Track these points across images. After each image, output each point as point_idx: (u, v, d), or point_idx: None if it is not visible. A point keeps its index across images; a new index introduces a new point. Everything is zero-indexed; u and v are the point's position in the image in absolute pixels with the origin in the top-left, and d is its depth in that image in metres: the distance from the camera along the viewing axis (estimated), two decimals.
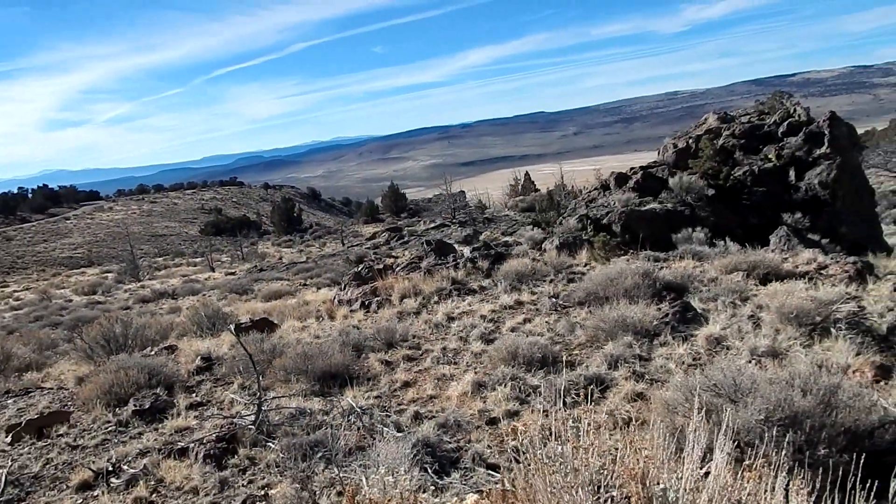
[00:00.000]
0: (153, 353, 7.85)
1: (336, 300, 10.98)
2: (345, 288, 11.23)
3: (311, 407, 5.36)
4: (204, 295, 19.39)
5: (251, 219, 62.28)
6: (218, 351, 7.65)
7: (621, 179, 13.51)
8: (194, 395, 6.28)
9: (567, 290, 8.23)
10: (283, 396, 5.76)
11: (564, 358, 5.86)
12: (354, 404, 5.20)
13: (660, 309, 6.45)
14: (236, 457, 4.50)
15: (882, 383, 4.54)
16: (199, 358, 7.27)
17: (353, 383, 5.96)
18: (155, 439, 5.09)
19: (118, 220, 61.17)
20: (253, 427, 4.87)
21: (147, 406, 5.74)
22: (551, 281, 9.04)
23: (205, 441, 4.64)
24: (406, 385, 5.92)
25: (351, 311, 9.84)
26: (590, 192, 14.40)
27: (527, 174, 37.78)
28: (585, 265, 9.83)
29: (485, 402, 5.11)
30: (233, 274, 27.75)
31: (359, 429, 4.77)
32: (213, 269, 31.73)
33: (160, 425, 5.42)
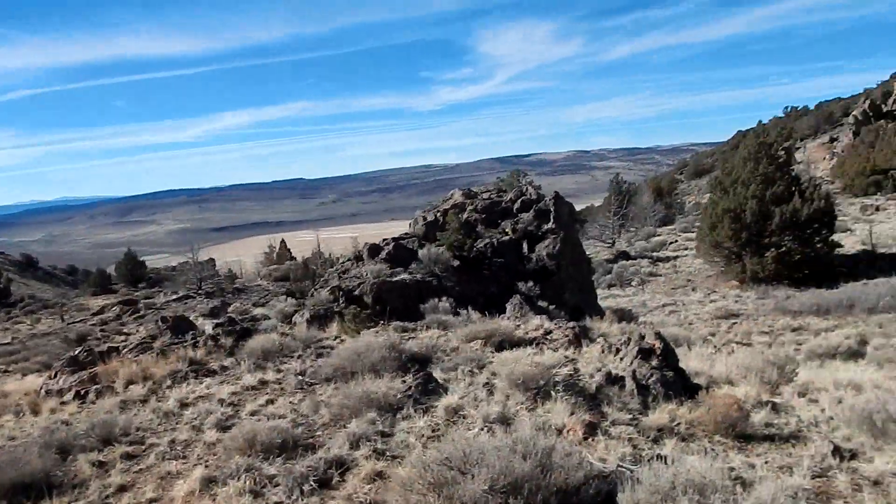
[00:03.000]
0: None
1: (44, 390, 9.28)
2: (56, 375, 9.56)
3: None
4: None
5: None
6: None
7: (374, 250, 13.86)
8: None
9: (315, 367, 7.98)
10: None
11: (307, 441, 5.58)
12: None
13: (405, 381, 6.54)
14: None
15: (590, 440, 5.07)
16: None
17: (53, 494, 4.95)
18: None
19: None
20: None
21: None
22: (299, 357, 8.71)
23: None
24: (122, 489, 5.09)
25: (62, 402, 8.37)
26: (343, 262, 14.50)
27: (283, 241, 37.01)
28: (336, 338, 9.70)
29: (214, 500, 4.58)
30: None
31: None
32: None
33: None
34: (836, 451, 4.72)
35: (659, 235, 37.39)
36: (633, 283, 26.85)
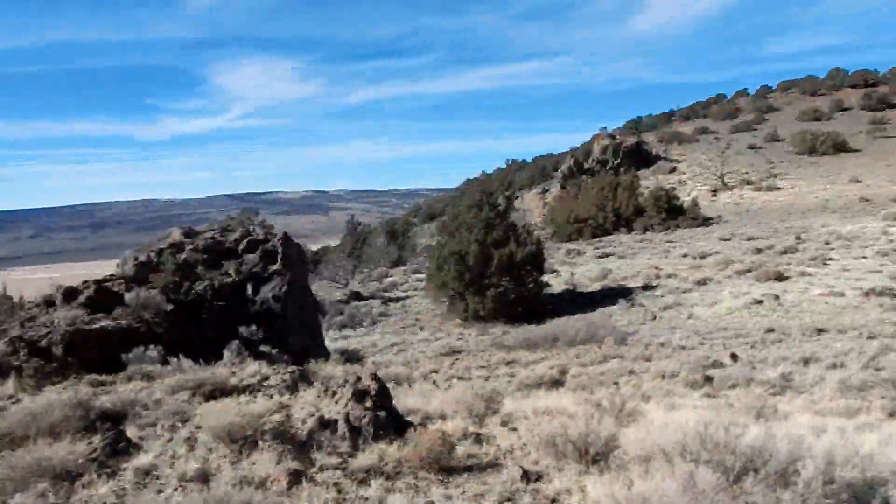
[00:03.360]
0: None
1: None
2: None
3: None
4: None
5: None
6: None
7: (70, 294, 12.12)
8: None
9: None
10: None
11: None
12: None
13: (91, 443, 5.77)
14: None
15: (294, 488, 5.02)
16: None
17: None
18: None
19: None
20: None
21: None
22: None
23: None
24: None
25: None
26: (29, 308, 12.40)
27: None
28: (10, 398, 8.18)
29: None
30: None
31: None
32: None
33: None
34: (525, 475, 5.25)
35: (391, 276, 38.53)
36: (365, 324, 27.49)
